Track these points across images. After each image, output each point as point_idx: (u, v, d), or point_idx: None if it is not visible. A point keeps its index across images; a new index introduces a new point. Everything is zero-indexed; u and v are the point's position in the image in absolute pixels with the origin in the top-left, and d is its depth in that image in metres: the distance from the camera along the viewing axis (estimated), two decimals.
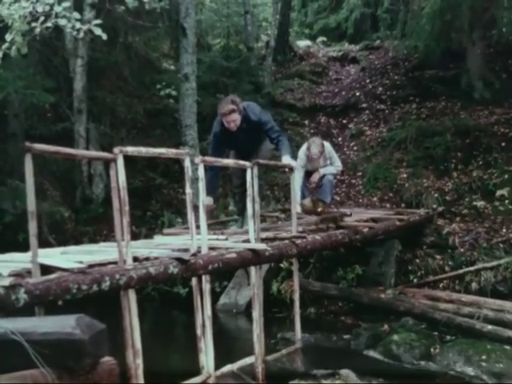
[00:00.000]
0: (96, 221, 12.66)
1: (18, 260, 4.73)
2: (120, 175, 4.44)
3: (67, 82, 13.65)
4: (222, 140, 8.04)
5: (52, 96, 12.00)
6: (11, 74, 11.28)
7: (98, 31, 7.89)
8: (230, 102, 7.76)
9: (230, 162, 6.62)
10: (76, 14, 7.87)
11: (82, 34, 7.98)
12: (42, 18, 7.73)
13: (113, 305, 4.81)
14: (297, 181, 9.12)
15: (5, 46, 7.90)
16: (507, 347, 7.33)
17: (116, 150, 4.48)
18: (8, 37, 7.80)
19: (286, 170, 7.48)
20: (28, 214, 3.97)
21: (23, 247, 5.02)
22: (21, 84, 11.28)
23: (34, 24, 7.75)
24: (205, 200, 6.25)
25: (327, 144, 9.66)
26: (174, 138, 13.70)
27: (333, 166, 9.54)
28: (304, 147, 9.46)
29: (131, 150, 4.64)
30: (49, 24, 7.74)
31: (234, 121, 7.81)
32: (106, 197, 12.49)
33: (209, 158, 6.10)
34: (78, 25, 7.86)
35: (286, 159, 7.62)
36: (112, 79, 14.66)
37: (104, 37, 7.98)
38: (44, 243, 7.67)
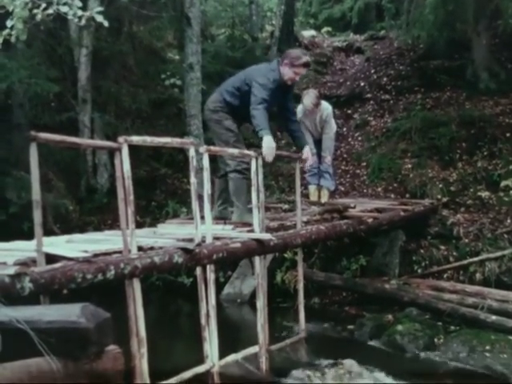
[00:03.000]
0: (101, 211, 12.68)
1: (22, 249, 4.75)
2: (125, 164, 4.45)
3: (72, 71, 13.64)
4: (271, 95, 7.39)
5: (56, 86, 11.98)
6: (15, 63, 11.27)
7: (100, 18, 7.84)
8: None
9: (234, 151, 6.61)
10: (78, 2, 7.82)
11: (83, 21, 7.90)
12: (43, 5, 7.70)
13: (118, 294, 4.83)
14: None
15: (5, 32, 7.87)
16: (511, 338, 7.34)
17: (121, 139, 4.48)
18: (9, 23, 7.77)
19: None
20: (33, 202, 3.99)
21: (28, 236, 5.04)
22: (25, 74, 11.26)
23: (35, 11, 7.71)
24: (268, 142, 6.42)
25: (328, 106, 9.74)
26: (179, 128, 13.69)
27: (328, 138, 9.63)
28: (301, 106, 9.59)
29: (136, 139, 4.65)
30: (50, 11, 7.70)
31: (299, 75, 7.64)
32: (111, 187, 12.51)
33: (214, 148, 6.10)
34: (79, 12, 7.81)
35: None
36: (116, 69, 14.62)
37: (106, 24, 7.91)
38: (49, 233, 7.67)
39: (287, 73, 7.45)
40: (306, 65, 7.50)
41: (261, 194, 6.20)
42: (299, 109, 9.60)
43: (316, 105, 9.37)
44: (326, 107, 9.73)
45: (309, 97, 9.44)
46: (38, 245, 4.09)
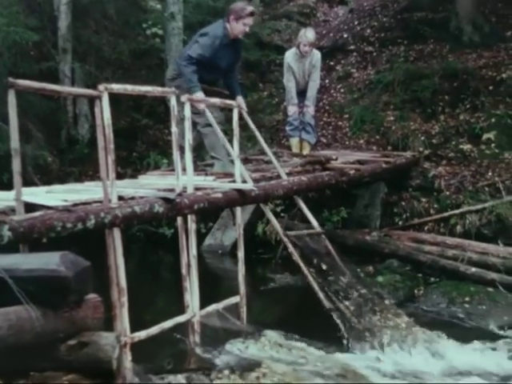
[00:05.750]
0: (81, 162, 12.59)
1: (1, 198, 4.70)
2: (105, 113, 4.40)
3: (51, 20, 13.41)
4: (214, 53, 7.72)
5: (36, 34, 11.80)
6: None
7: None
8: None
9: (216, 101, 6.56)
10: None
11: None
12: None
13: (98, 245, 4.80)
14: (289, 86, 9.35)
15: None
16: (490, 289, 7.43)
17: (101, 87, 4.43)
18: None
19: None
20: (12, 151, 3.94)
21: (8, 187, 4.98)
22: (3, 22, 11.07)
23: None
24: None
25: (318, 52, 9.82)
26: (160, 79, 13.47)
27: (314, 85, 9.69)
28: (293, 49, 9.63)
29: (116, 87, 4.60)
30: None
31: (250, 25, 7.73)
32: (92, 137, 12.38)
33: (195, 97, 6.03)
34: None
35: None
36: (97, 18, 14.41)
37: None
38: (29, 184, 7.65)
39: (236, 27, 7.64)
40: (252, 14, 7.71)
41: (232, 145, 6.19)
42: (288, 53, 9.69)
43: (314, 43, 9.46)
44: (317, 52, 9.79)
45: (311, 31, 9.50)
46: (16, 194, 4.06)
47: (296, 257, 6.86)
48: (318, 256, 7.22)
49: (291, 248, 6.98)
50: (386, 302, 6.96)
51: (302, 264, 6.83)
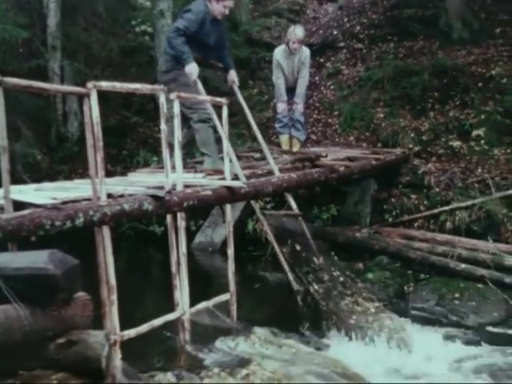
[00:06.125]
0: (71, 159, 12.58)
1: None
2: (93, 110, 4.38)
3: (41, 18, 13.39)
4: (200, 28, 7.85)
5: (25, 32, 11.78)
6: None
7: None
8: None
9: (206, 98, 6.56)
10: None
11: None
12: None
13: (88, 242, 4.79)
14: (278, 83, 9.40)
15: None
16: (480, 285, 7.47)
17: (89, 84, 4.41)
18: None
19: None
20: None
21: None
22: None
23: None
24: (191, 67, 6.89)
25: (307, 48, 9.86)
26: (150, 76, 13.47)
27: (303, 82, 9.73)
28: (282, 46, 9.68)
29: (105, 84, 4.58)
30: None
31: (230, 8, 7.82)
32: (81, 135, 12.34)
33: (184, 95, 6.02)
34: None
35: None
36: (86, 16, 14.39)
37: None
38: (19, 181, 7.63)
39: (216, 8, 7.87)
40: None
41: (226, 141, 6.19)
42: (278, 50, 9.74)
43: (303, 40, 9.49)
44: (306, 49, 9.83)
45: (300, 28, 9.55)
46: (5, 192, 4.04)
47: (270, 235, 6.93)
48: (293, 237, 7.28)
49: (266, 226, 7.05)
50: (359, 285, 7.01)
51: (274, 243, 6.91)
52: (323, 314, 6.36)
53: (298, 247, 7.14)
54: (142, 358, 5.01)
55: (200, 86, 7.21)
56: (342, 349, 5.92)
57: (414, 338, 6.11)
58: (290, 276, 6.68)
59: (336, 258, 7.81)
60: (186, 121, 7.52)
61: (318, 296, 6.50)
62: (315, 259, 7.02)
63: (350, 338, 6.15)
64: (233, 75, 8.36)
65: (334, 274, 6.93)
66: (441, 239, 8.92)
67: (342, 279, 6.89)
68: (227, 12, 7.94)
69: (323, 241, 9.47)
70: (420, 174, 10.40)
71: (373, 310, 6.45)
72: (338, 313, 6.31)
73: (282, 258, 6.80)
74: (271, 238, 6.99)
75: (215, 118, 7.12)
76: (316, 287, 6.62)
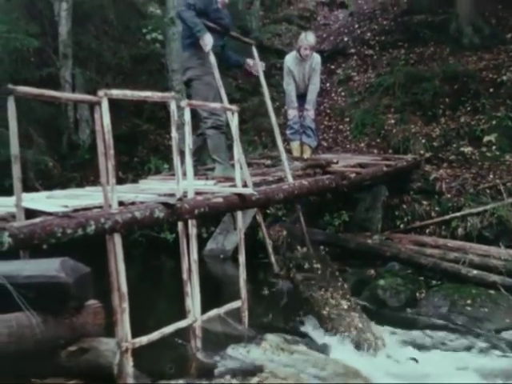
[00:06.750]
0: (83, 167, 12.61)
1: (2, 204, 4.70)
2: (105, 118, 4.40)
3: (52, 26, 13.45)
4: (210, 5, 7.76)
5: (36, 40, 11.83)
6: None
7: None
8: None
9: (216, 105, 6.57)
10: None
11: None
12: None
13: (99, 250, 4.80)
14: (289, 90, 9.41)
15: None
16: (492, 292, 7.43)
17: (100, 92, 4.43)
18: None
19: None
20: (11, 157, 3.94)
21: (9, 193, 4.98)
22: (4, 28, 11.12)
23: None
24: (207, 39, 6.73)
25: (318, 55, 9.85)
26: (161, 84, 13.57)
27: (314, 89, 9.72)
28: (293, 53, 9.68)
29: (116, 92, 4.59)
30: None
31: None
32: (93, 143, 12.36)
33: (195, 102, 6.04)
34: None
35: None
36: (97, 24, 14.44)
37: None
38: (31, 189, 7.66)
39: None
40: None
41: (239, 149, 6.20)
42: (289, 57, 9.75)
43: (315, 47, 9.50)
44: (317, 55, 9.81)
45: (311, 34, 9.55)
46: (17, 200, 4.06)
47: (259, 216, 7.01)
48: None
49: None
50: (340, 280, 7.06)
51: (263, 224, 6.97)
52: (298, 301, 6.44)
53: (284, 233, 7.23)
54: (153, 365, 5.00)
55: (212, 57, 7.22)
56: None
57: (385, 342, 6.11)
58: (273, 259, 6.74)
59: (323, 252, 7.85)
60: (194, 128, 7.53)
61: (297, 282, 6.59)
62: (299, 247, 7.07)
63: (326, 330, 6.25)
64: (250, 61, 8.29)
65: (315, 265, 6.96)
66: (452, 245, 8.89)
67: (320, 272, 6.94)
68: (227, 0, 7.93)
69: (335, 247, 9.52)
70: (431, 180, 10.39)
71: (345, 307, 6.50)
72: (312, 302, 6.40)
73: (267, 240, 6.87)
74: (260, 219, 7.06)
75: (216, 67, 7.21)
76: (297, 275, 6.71)
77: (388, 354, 5.96)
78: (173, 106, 5.13)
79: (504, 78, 12.19)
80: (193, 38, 7.58)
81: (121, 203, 4.79)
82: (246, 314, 6.18)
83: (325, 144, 12.66)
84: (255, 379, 4.76)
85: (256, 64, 8.11)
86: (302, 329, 6.40)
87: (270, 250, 6.87)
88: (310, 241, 8.57)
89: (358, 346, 5.99)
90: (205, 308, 5.64)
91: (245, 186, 6.31)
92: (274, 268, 6.65)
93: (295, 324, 6.64)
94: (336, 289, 6.91)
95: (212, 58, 7.19)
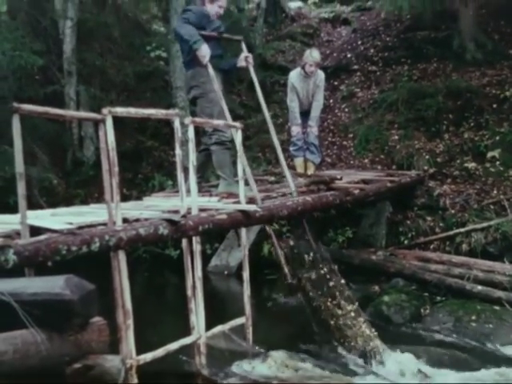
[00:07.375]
0: (87, 184, 12.65)
1: (7, 222, 4.72)
2: (109, 136, 4.42)
3: (56, 43, 13.54)
4: (205, 20, 7.74)
5: (41, 58, 11.89)
6: None
7: None
8: None
9: (220, 122, 6.59)
10: None
11: None
12: None
13: (103, 267, 4.81)
14: (292, 106, 9.42)
15: None
16: (497, 307, 7.41)
17: (105, 110, 4.45)
18: None
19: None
20: (16, 174, 3.96)
21: (14, 211, 5.00)
22: (8, 46, 11.18)
23: None
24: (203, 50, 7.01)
25: (322, 72, 9.87)
26: (165, 101, 13.63)
27: (318, 105, 9.73)
28: (297, 69, 9.70)
29: (120, 110, 4.61)
30: None
31: (224, 7, 7.86)
32: (97, 160, 12.42)
33: (198, 120, 6.06)
34: None
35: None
36: (101, 41, 14.52)
37: None
38: (35, 206, 7.67)
39: (212, 9, 7.76)
40: None
41: (245, 166, 6.21)
42: (293, 73, 9.75)
43: (319, 63, 9.54)
44: (321, 72, 9.83)
45: (316, 51, 9.59)
46: (21, 217, 4.07)
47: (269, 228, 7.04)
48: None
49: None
50: (342, 281, 7.05)
51: (273, 235, 7.01)
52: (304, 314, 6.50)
53: (291, 242, 7.25)
54: (158, 382, 5.00)
55: (211, 70, 7.23)
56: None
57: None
58: (286, 269, 6.77)
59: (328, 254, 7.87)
60: (197, 144, 7.53)
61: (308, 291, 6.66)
62: (306, 256, 7.09)
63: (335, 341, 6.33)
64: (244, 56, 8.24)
65: (321, 272, 6.97)
66: (457, 261, 8.88)
67: (328, 277, 6.95)
68: (222, 12, 7.96)
69: (339, 263, 9.50)
70: (435, 196, 10.39)
71: (353, 314, 6.51)
72: (319, 312, 6.48)
73: (278, 251, 6.89)
74: (270, 231, 7.08)
75: (215, 81, 7.19)
76: (307, 284, 6.75)
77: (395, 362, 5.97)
78: (177, 124, 5.15)
79: (507, 93, 12.21)
80: (192, 54, 7.61)
81: (125, 220, 4.80)
82: (250, 331, 6.18)
83: (328, 160, 12.67)
84: None
85: (248, 56, 8.10)
86: (311, 345, 6.38)
87: (283, 260, 6.87)
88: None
89: (364, 355, 6.01)
90: (209, 324, 5.64)
91: (250, 202, 6.32)
92: (287, 278, 6.66)
93: (302, 339, 6.64)
94: (343, 294, 6.91)
95: (210, 70, 7.21)
